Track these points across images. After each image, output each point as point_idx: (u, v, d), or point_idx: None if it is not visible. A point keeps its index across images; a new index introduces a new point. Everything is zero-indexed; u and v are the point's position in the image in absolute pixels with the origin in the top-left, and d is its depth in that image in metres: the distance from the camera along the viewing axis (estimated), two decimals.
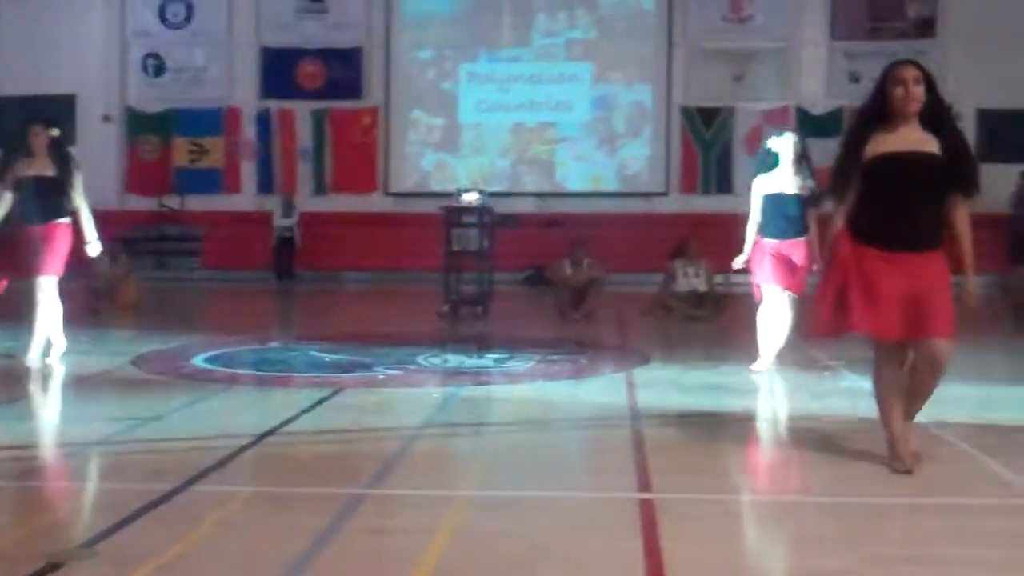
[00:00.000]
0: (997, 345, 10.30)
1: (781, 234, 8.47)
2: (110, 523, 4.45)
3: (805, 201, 8.43)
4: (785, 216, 8.45)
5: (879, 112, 5.13)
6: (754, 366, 8.63)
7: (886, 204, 5.08)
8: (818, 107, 21.59)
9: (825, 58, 21.80)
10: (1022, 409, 7.15)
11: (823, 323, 5.21)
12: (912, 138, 5.07)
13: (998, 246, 14.37)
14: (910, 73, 5.06)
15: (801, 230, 8.46)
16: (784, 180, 8.50)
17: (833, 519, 4.65)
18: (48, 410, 7.46)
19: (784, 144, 8.60)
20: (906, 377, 5.19)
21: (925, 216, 5.07)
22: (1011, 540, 4.24)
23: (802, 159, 8.54)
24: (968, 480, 5.14)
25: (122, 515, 4.58)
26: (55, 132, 8.74)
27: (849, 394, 7.49)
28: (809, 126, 21.54)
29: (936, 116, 5.09)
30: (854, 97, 21.29)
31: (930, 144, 5.06)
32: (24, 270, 8.58)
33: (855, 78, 21.55)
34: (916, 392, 5.19)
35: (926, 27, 21.39)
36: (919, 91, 5.04)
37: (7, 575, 3.74)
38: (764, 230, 8.53)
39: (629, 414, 6.93)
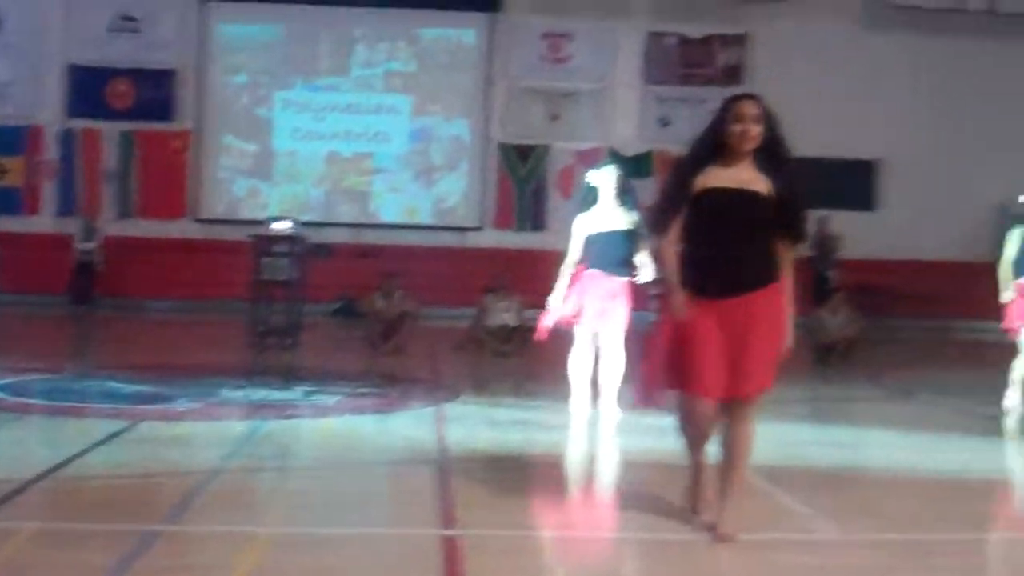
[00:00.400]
0: (800, 385, 10.66)
1: (605, 271, 8.18)
2: None
3: (631, 236, 8.18)
4: (609, 253, 8.16)
5: (714, 145, 4.92)
6: (571, 404, 8.44)
7: (709, 242, 4.86)
8: (629, 149, 22.10)
9: (638, 101, 22.37)
10: (821, 448, 7.42)
11: (651, 386, 5.06)
12: (742, 176, 4.86)
13: (800, 288, 14.89)
14: (750, 110, 4.85)
15: (627, 268, 8.19)
16: (606, 215, 8.25)
17: (636, 555, 4.71)
18: None
19: (603, 177, 8.39)
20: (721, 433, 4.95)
21: (750, 255, 4.84)
22: (805, 574, 4.37)
23: (624, 193, 8.33)
24: (767, 516, 5.27)
25: None
26: None
27: (660, 432, 7.63)
28: (620, 168, 22.07)
29: (774, 156, 4.88)
30: (664, 141, 22.02)
31: (759, 183, 4.83)
32: None
33: (665, 122, 22.19)
34: (733, 451, 4.92)
35: (733, 74, 22.19)
36: (757, 130, 4.83)
37: None
38: (589, 267, 8.24)
39: (437, 449, 6.89)
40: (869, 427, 8.49)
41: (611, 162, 9.16)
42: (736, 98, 4.98)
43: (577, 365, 8.42)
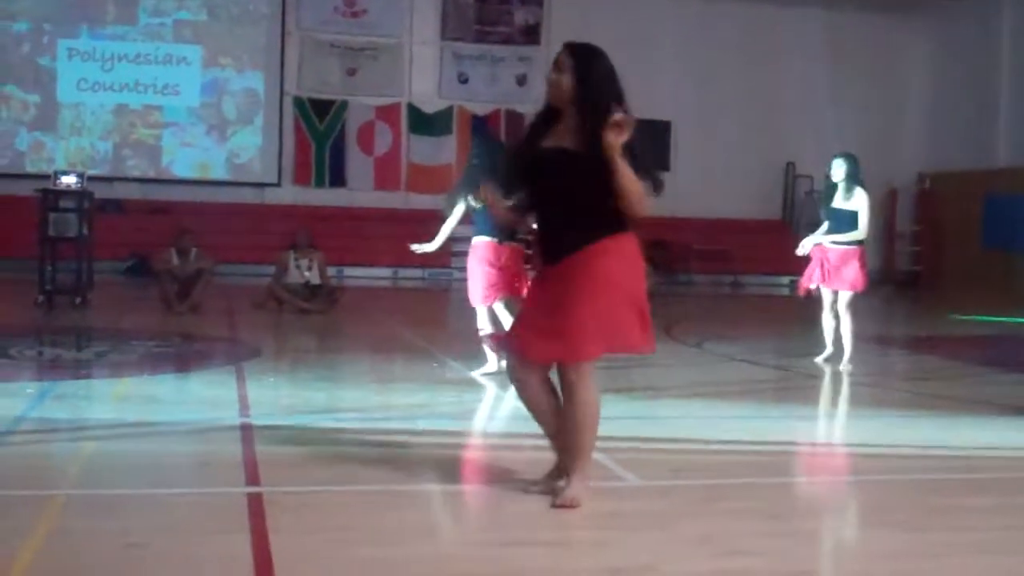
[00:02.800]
0: None
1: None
2: None
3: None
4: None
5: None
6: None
7: (533, 207, 4.72)
8: (429, 106, 22.13)
9: (435, 57, 22.38)
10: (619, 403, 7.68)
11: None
12: (558, 133, 4.58)
13: None
14: (559, 58, 4.58)
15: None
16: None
17: (432, 507, 4.82)
18: None
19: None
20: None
21: (562, 218, 4.56)
22: (600, 519, 4.55)
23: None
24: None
25: None
26: None
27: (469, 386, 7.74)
28: (421, 124, 22.11)
29: (592, 108, 4.46)
30: (464, 97, 22.17)
31: (572, 139, 4.50)
32: None
33: (464, 79, 22.30)
34: (561, 419, 4.71)
35: (531, 34, 22.44)
36: (559, 79, 4.53)
37: None
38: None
39: (238, 408, 6.83)
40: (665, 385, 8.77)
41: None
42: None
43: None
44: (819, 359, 9.53)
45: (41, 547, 4.02)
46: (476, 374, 8.25)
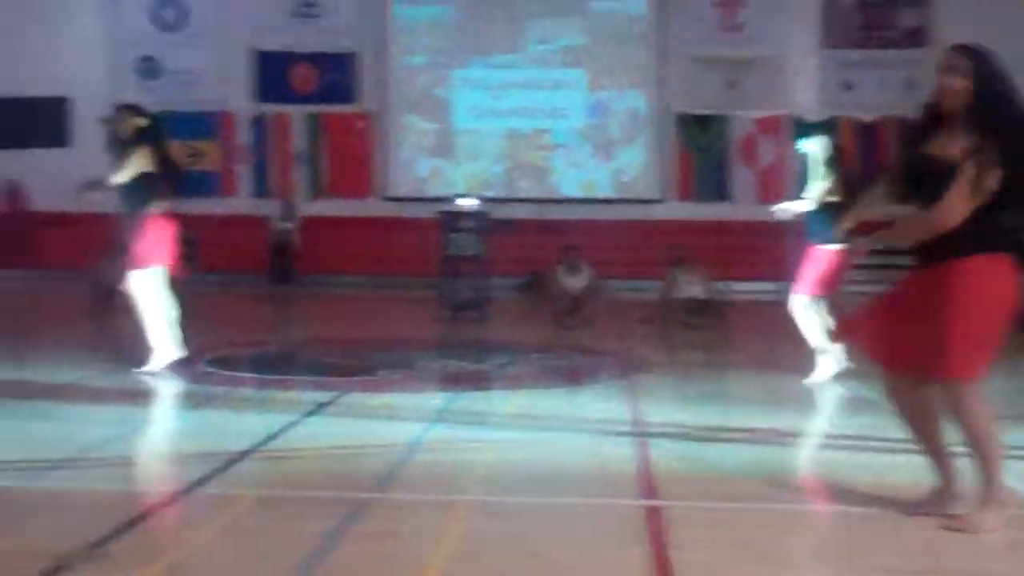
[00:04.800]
0: None
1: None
2: (119, 524, 4.45)
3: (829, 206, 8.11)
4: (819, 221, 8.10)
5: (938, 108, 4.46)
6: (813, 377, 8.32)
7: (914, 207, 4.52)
8: (812, 116, 21.61)
9: (817, 67, 21.84)
10: None
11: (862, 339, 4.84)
12: (942, 139, 4.40)
13: None
14: (943, 61, 4.42)
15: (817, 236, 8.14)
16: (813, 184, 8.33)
17: (846, 529, 4.68)
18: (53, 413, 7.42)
19: (812, 145, 8.47)
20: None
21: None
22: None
23: (832, 161, 8.34)
24: None
25: (131, 516, 4.58)
26: (142, 121, 8.51)
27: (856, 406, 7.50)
28: (804, 135, 21.60)
29: (982, 115, 4.30)
30: (848, 106, 21.48)
31: (954, 147, 4.33)
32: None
33: (848, 86, 21.62)
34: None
35: (917, 36, 21.45)
36: (950, 83, 4.36)
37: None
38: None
39: (631, 421, 6.93)
40: None
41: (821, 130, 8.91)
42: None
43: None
44: None
45: (449, 551, 4.25)
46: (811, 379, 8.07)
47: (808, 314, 8.29)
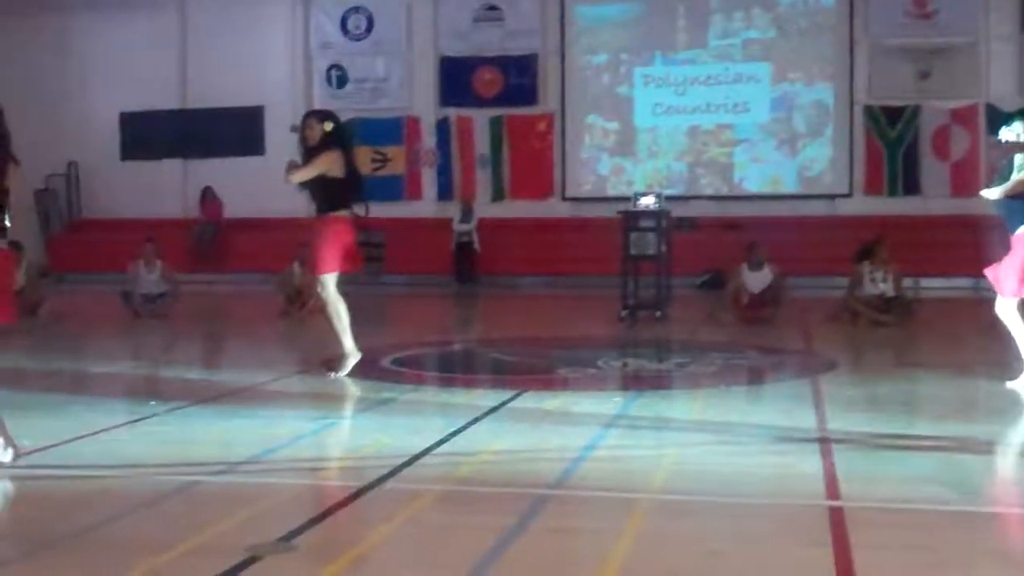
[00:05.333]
0: None
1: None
2: (307, 518, 4.62)
3: None
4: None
5: None
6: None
7: None
8: (1009, 104, 20.72)
9: (1015, 53, 20.93)
10: None
11: None
12: None
13: None
14: None
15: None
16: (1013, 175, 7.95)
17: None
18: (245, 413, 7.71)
19: (1011, 135, 8.09)
20: None
21: None
22: None
23: None
24: None
25: (318, 510, 4.74)
26: (328, 126, 8.61)
27: None
28: (1000, 125, 20.73)
29: None
30: None
31: None
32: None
33: None
34: None
35: None
36: None
37: (209, 567, 3.91)
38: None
39: (815, 421, 6.79)
40: None
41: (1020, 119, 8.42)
42: None
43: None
44: None
45: (630, 548, 4.25)
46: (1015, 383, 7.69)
47: (1015, 315, 7.89)
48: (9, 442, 5.46)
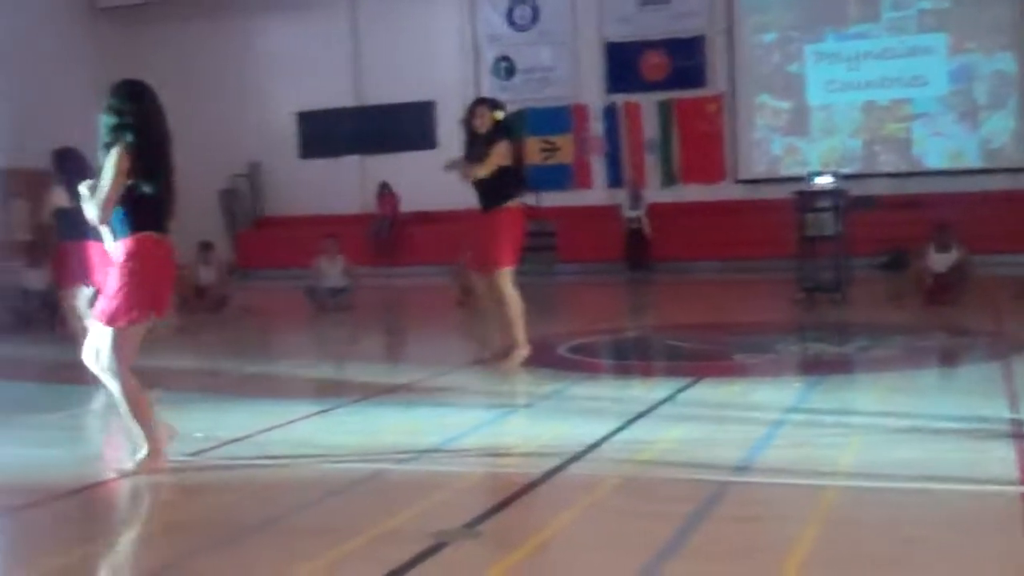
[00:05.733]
0: None
1: None
2: (490, 505, 4.70)
3: None
4: None
5: None
6: None
7: None
8: None
9: None
10: None
11: None
12: None
13: None
14: None
15: None
16: None
17: None
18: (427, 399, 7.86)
19: None
20: None
21: None
22: None
23: None
24: None
25: (501, 497, 4.82)
26: (499, 115, 8.45)
27: None
28: None
29: None
30: None
31: None
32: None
33: None
34: None
35: None
36: None
37: (398, 552, 4.01)
38: None
39: (1007, 404, 6.54)
40: None
41: None
42: None
43: None
44: None
45: (820, 534, 4.19)
46: None
47: None
48: (157, 441, 5.53)
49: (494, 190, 8.30)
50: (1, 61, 20.36)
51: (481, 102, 8.75)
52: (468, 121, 8.56)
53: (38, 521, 4.89)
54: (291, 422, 6.69)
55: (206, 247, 15.28)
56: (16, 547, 4.56)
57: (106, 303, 5.42)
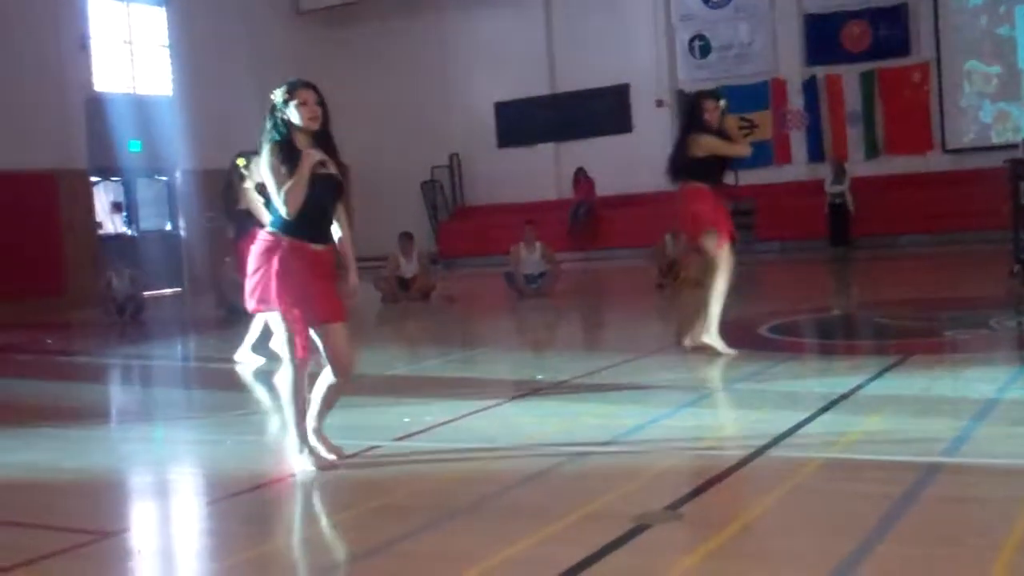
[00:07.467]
0: None
1: None
2: (691, 488, 4.69)
3: None
4: None
5: None
6: None
7: None
8: None
9: None
10: None
11: None
12: None
13: None
14: None
15: None
16: None
17: None
18: (625, 383, 7.86)
19: None
20: None
21: None
22: None
23: None
24: None
25: (701, 480, 4.80)
26: (723, 103, 8.35)
27: None
28: None
29: None
30: None
31: None
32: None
33: None
34: None
35: None
36: None
37: (601, 534, 4.06)
38: None
39: None
40: None
41: None
42: None
43: None
44: None
45: None
46: None
47: None
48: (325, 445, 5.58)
49: (695, 172, 8.22)
50: (205, 65, 21.28)
51: (705, 96, 8.50)
52: (696, 115, 8.32)
53: (257, 505, 5.14)
54: (492, 407, 6.82)
55: (407, 238, 15.65)
56: (248, 525, 4.79)
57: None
